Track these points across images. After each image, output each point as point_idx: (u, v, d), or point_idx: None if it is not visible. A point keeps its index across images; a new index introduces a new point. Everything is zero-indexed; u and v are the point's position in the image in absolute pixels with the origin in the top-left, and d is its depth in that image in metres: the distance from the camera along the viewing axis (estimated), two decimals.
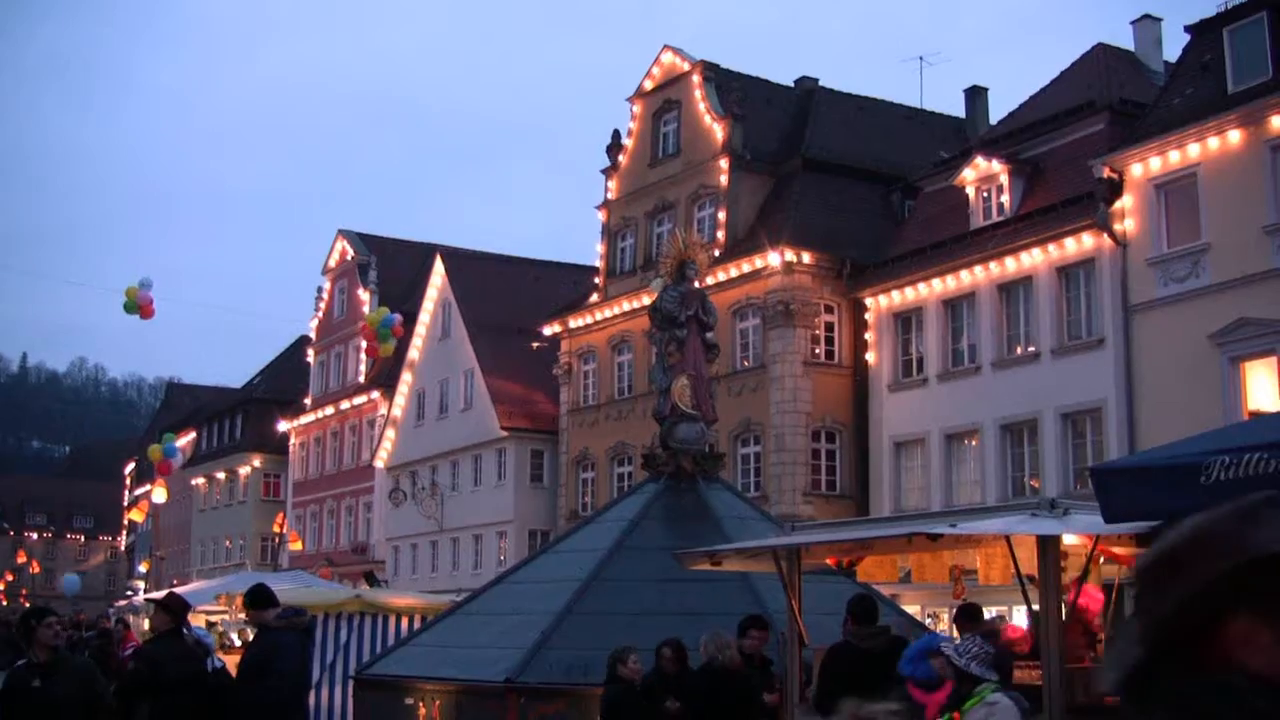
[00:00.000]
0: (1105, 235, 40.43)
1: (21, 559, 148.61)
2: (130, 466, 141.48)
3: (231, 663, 19.16)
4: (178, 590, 30.55)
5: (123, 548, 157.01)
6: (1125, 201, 40.08)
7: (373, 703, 23.87)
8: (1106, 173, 40.31)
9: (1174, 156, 38.88)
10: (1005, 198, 45.08)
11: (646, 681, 15.06)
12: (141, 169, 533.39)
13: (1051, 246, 42.35)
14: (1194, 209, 38.60)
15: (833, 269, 49.76)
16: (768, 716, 15.20)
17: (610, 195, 60.74)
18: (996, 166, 45.29)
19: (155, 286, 39.60)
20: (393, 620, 28.90)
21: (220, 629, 37.48)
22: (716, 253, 49.69)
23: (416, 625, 27.68)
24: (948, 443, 45.57)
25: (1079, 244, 41.57)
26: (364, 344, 48.74)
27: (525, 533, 63.70)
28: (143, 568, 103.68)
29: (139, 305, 38.66)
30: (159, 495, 58.94)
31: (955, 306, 46.03)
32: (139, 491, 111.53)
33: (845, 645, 14.48)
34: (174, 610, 15.19)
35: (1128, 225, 39.97)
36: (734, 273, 50.77)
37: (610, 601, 21.42)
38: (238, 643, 33.40)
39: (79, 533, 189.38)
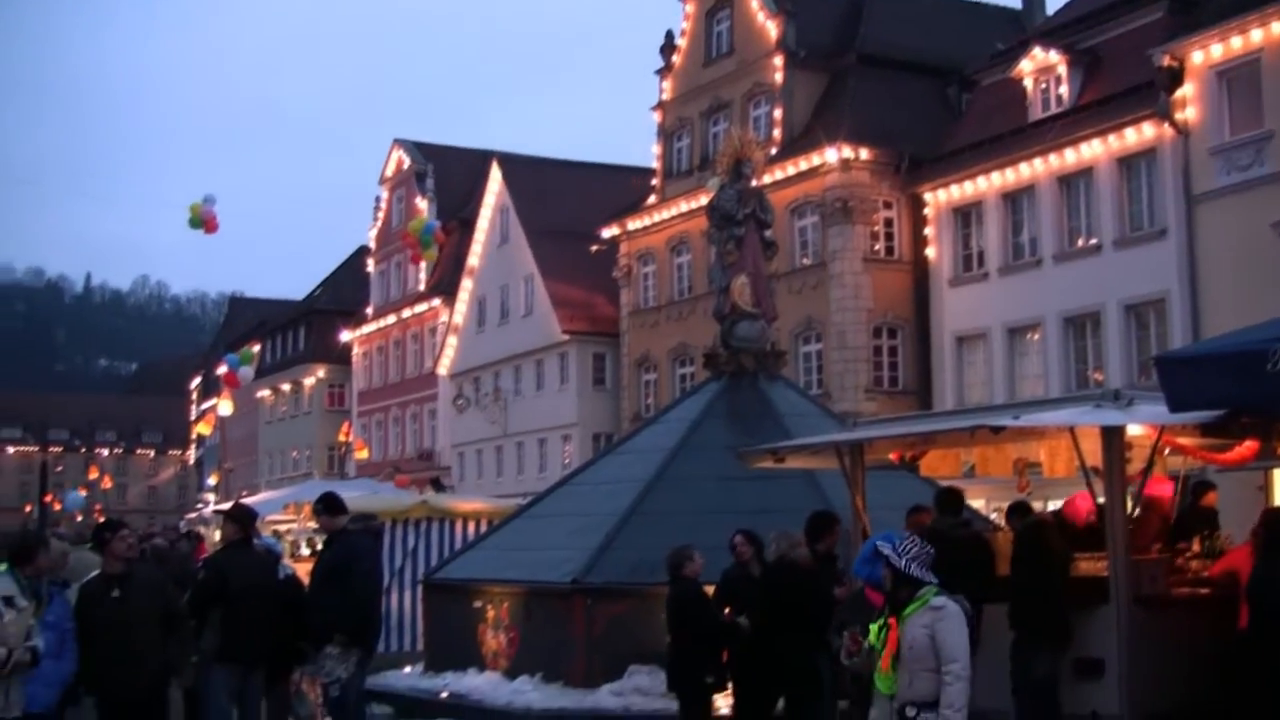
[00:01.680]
0: (1166, 125, 39.94)
1: (93, 475, 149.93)
2: (196, 381, 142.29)
3: (301, 570, 19.34)
4: (245, 501, 30.81)
5: (191, 462, 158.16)
6: (1186, 90, 39.54)
7: (441, 606, 24.09)
8: (1167, 61, 39.74)
9: (1235, 43, 38.30)
10: (1064, 89, 44.61)
11: (728, 574, 15.08)
12: (199, 86, 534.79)
13: (1111, 137, 41.89)
14: (1256, 96, 38.07)
15: (890, 164, 49.42)
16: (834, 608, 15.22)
17: (665, 96, 60.42)
18: (1054, 57, 44.77)
19: (216, 201, 39.75)
20: (459, 525, 29.13)
21: (290, 538, 37.85)
22: (773, 151, 49.41)
23: (483, 529, 27.88)
24: (1009, 337, 45.32)
25: (1139, 134, 41.12)
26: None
27: (589, 436, 63.80)
28: (212, 480, 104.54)
29: (203, 220, 38.79)
30: (225, 408, 59.22)
31: (1015, 200, 45.64)
32: (205, 405, 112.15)
33: (932, 532, 14.45)
34: (241, 520, 15.32)
35: (1189, 114, 39.46)
36: (791, 170, 50.47)
37: (674, 501, 21.51)
38: (306, 551, 33.74)
39: (148, 448, 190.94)
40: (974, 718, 13.77)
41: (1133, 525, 15.01)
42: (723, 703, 14.98)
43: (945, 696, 9.48)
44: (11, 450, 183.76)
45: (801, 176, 50.36)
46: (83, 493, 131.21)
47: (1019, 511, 15.83)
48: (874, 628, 10.01)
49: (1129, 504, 14.60)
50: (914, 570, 9.81)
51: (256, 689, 14.64)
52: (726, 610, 14.89)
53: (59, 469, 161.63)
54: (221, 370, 61.73)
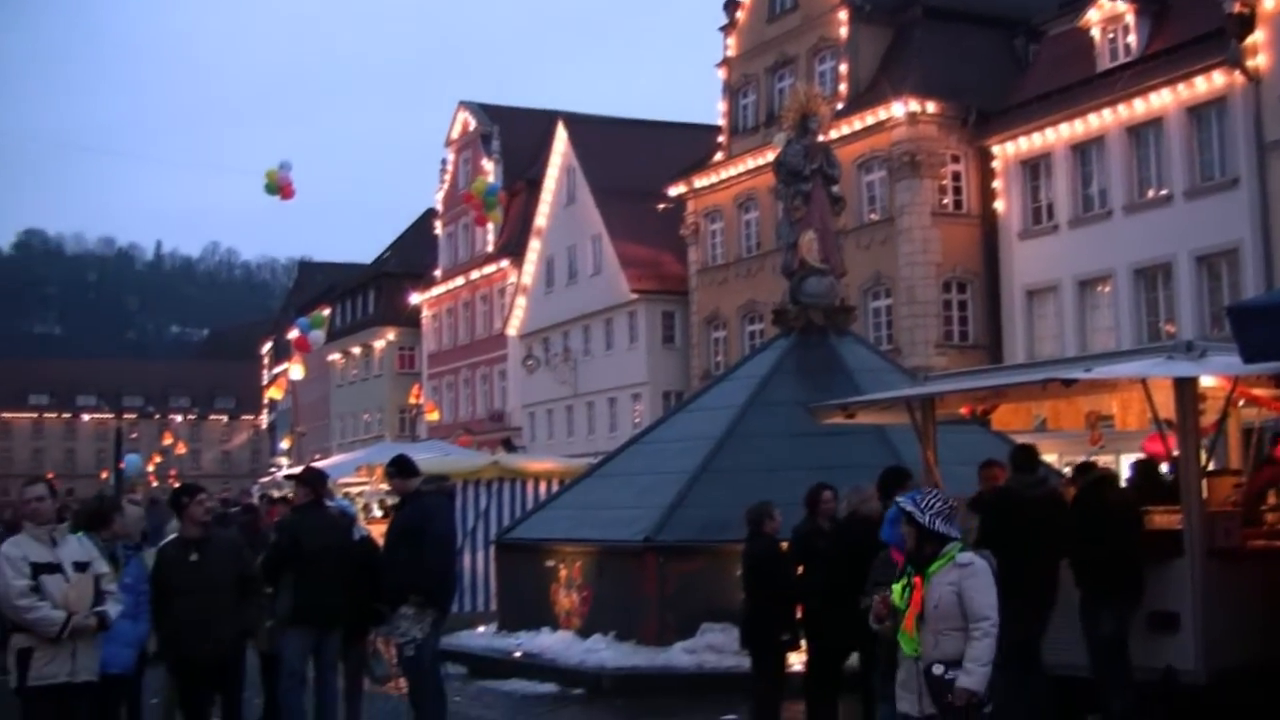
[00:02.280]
0: (1237, 72, 39.55)
1: (167, 441, 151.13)
2: (267, 346, 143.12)
3: (374, 532, 19.42)
4: (317, 464, 30.98)
5: (264, 426, 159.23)
6: (1257, 36, 39.13)
7: (514, 566, 24.20)
8: (1237, 7, 39.30)
9: None
10: (1132, 38, 44.25)
11: (800, 530, 15.04)
12: (266, 51, 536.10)
13: (1181, 86, 41.51)
14: None
15: (958, 118, 49.13)
16: None
17: (730, 53, 60.24)
18: (1122, 6, 44.40)
19: (292, 167, 40.02)
20: (530, 485, 29.24)
21: (361, 500, 38.01)
22: (839, 106, 49.22)
23: (554, 489, 27.96)
24: (1080, 289, 45.06)
25: (1209, 83, 40.72)
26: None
27: (659, 394, 63.85)
28: (284, 444, 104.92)
29: (279, 187, 39.12)
30: (296, 372, 59.59)
31: (1084, 151, 45.31)
32: (277, 370, 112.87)
33: (1007, 491, 14.37)
34: (311, 483, 15.39)
35: (1260, 61, 39.06)
36: (857, 125, 50.24)
37: (745, 458, 21.51)
38: (379, 514, 33.86)
39: (221, 413, 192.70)
40: (1052, 675, 13.80)
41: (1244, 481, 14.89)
42: (796, 660, 14.96)
43: (971, 650, 9.24)
44: (87, 418, 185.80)
45: (868, 131, 50.15)
46: (153, 463, 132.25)
47: (1085, 471, 15.72)
48: (897, 588, 9.73)
49: (1202, 456, 14.48)
50: (938, 526, 9.50)
51: (332, 651, 14.73)
52: (800, 567, 14.85)
53: (133, 436, 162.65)
54: (292, 335, 62.04)
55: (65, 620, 10.79)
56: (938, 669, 9.28)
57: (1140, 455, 17.84)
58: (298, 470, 19.91)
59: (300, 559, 14.15)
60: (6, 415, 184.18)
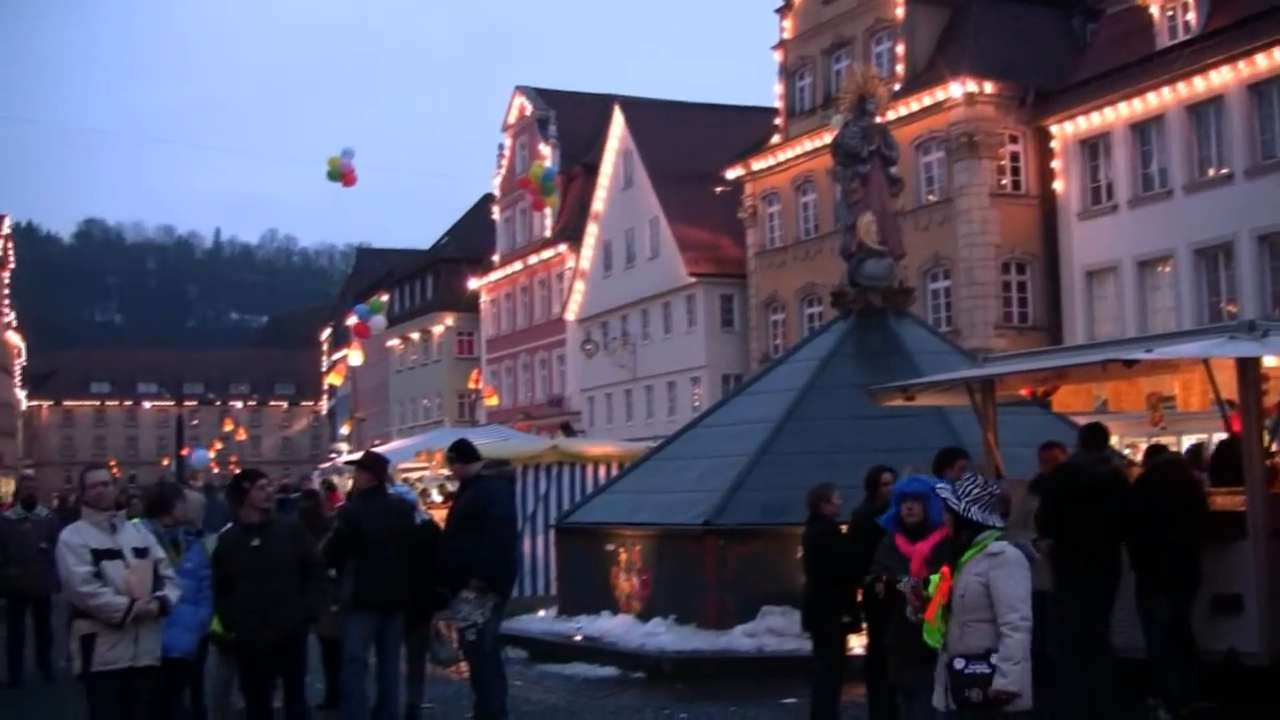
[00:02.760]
0: None
1: (228, 427, 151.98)
2: (326, 332, 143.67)
3: (435, 517, 19.47)
4: (377, 449, 31.09)
5: (324, 412, 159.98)
6: None
7: (574, 550, 24.22)
8: None
9: None
10: (1191, 15, 43.95)
11: (860, 513, 14.99)
12: (321, 40, 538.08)
13: (1242, 63, 41.20)
14: None
15: (1015, 98, 48.91)
16: None
17: (786, 35, 60.10)
18: None
19: (354, 154, 40.16)
20: (590, 469, 29.25)
21: (421, 485, 38.12)
22: (896, 87, 49.01)
23: (613, 473, 27.98)
24: (1140, 270, 44.82)
25: (1270, 59, 40.40)
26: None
27: (718, 377, 63.80)
28: (344, 430, 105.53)
29: (341, 174, 39.24)
30: (356, 358, 59.83)
31: (1143, 130, 45.04)
32: (336, 356, 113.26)
33: (1071, 467, 14.29)
34: (373, 468, 15.43)
35: None
36: (915, 106, 50.10)
37: (804, 441, 21.47)
38: (439, 499, 33.96)
39: (281, 399, 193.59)
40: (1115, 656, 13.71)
41: None
42: (857, 643, 14.94)
43: (1003, 648, 8.65)
44: (148, 405, 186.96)
45: (925, 112, 50.00)
46: (214, 449, 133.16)
47: (1155, 454, 15.61)
48: (935, 578, 9.17)
49: (1265, 437, 14.38)
50: (974, 514, 8.98)
51: (394, 635, 14.77)
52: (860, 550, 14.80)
53: (194, 423, 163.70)
54: (351, 321, 62.30)
55: (128, 606, 10.87)
56: (959, 663, 8.83)
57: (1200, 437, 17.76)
58: (358, 456, 19.98)
59: (362, 544, 14.19)
60: (69, 404, 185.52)
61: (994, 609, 8.74)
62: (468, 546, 14.96)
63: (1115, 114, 45.39)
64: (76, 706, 12.98)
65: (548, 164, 45.41)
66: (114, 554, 10.94)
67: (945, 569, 9.05)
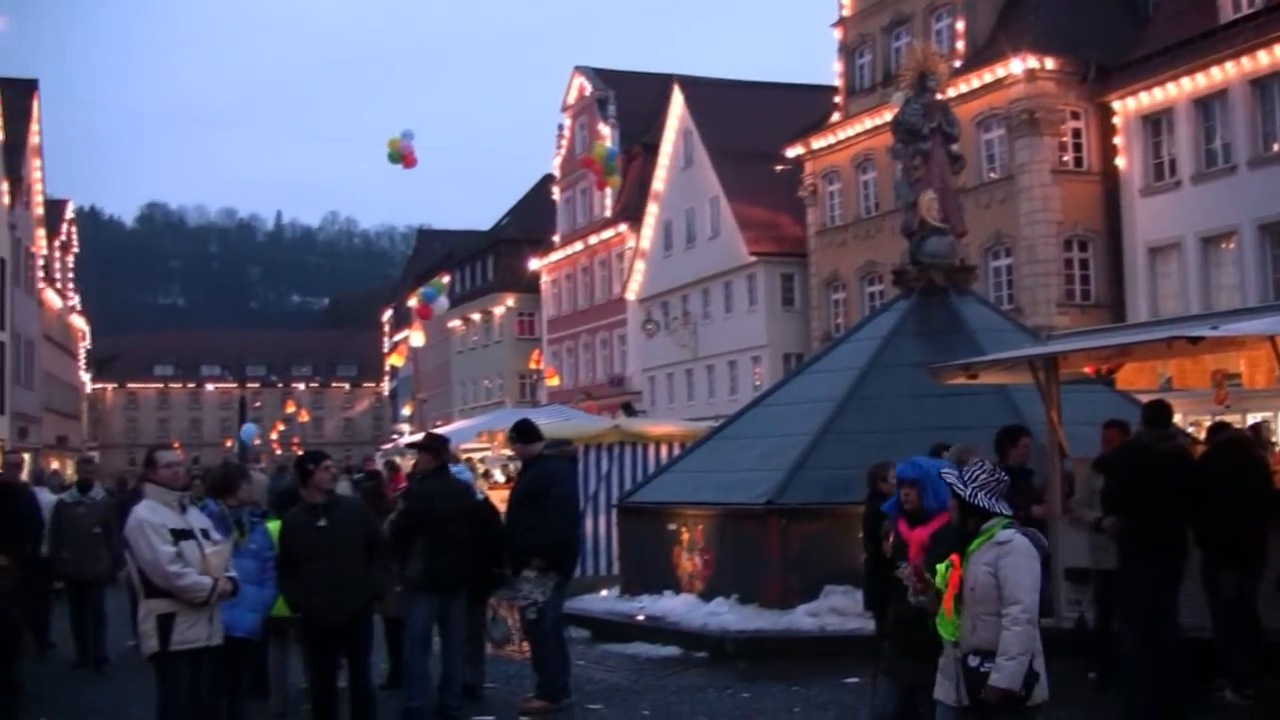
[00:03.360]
0: None
1: (290, 408, 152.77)
2: (388, 313, 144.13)
3: (497, 497, 19.52)
4: (439, 430, 31.15)
5: (386, 393, 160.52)
6: None
7: (636, 529, 24.22)
8: None
9: None
10: None
11: None
12: (380, 21, 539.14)
13: None
14: None
15: (1077, 74, 48.58)
16: (1035, 528, 14.99)
17: (845, 12, 59.87)
18: None
19: (414, 136, 40.32)
20: (652, 449, 29.25)
21: (484, 466, 38.28)
22: (956, 64, 48.76)
23: (675, 453, 27.96)
24: (1204, 246, 44.45)
25: None
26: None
27: (779, 356, 63.71)
28: (406, 411, 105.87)
29: (401, 155, 39.45)
30: (417, 339, 60.07)
31: (1207, 105, 44.65)
32: (398, 337, 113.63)
33: (1135, 444, 14.19)
34: (434, 449, 15.48)
35: None
36: (975, 83, 49.83)
37: (866, 420, 21.41)
38: (501, 478, 34.08)
39: (343, 381, 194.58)
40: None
41: None
42: None
43: (1002, 641, 8.34)
44: (211, 387, 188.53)
45: (986, 89, 49.74)
46: (276, 430, 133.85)
47: (1218, 431, 15.49)
48: (941, 567, 8.85)
49: None
50: (980, 500, 8.65)
51: (457, 616, 14.81)
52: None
53: (257, 404, 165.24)
54: (413, 303, 62.51)
55: (212, 585, 10.97)
56: (973, 660, 8.53)
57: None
58: (419, 438, 20.03)
59: (432, 525, 14.23)
60: (133, 386, 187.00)
61: (1002, 601, 8.45)
62: (529, 526, 15.03)
63: (1178, 89, 45.01)
64: (132, 685, 13.07)
65: (609, 144, 45.66)
66: (188, 534, 11.03)
67: (955, 557, 8.73)
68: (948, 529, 9.17)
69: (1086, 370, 18.54)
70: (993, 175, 50.40)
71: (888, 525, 10.77)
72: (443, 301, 53.55)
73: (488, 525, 15.68)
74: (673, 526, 22.52)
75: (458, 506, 14.76)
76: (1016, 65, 48.32)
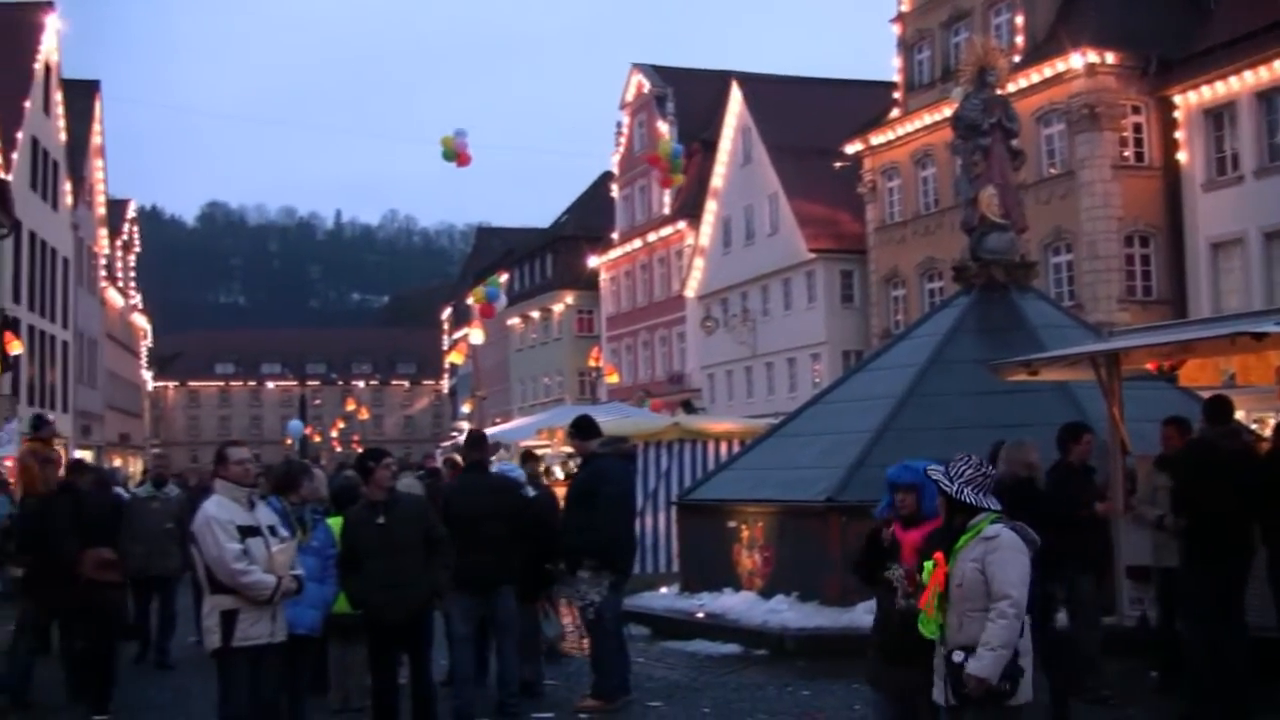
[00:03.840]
0: None
1: (350, 406, 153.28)
2: (447, 311, 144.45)
3: (548, 494, 19.52)
4: (498, 427, 31.17)
5: (445, 390, 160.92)
6: None
7: (695, 527, 24.21)
8: None
9: None
10: None
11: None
12: (438, 20, 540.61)
13: None
14: None
15: (1138, 68, 48.32)
16: (1097, 525, 14.89)
17: (904, 7, 59.75)
18: None
19: (467, 134, 40.48)
20: (711, 446, 29.20)
21: (544, 463, 38.31)
22: (1016, 58, 48.54)
23: (735, 450, 27.92)
24: (1267, 241, 44.13)
25: None
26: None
27: (838, 353, 63.66)
28: (465, 408, 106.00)
29: (455, 153, 39.62)
30: (477, 337, 60.08)
31: (1270, 99, 44.31)
32: (457, 335, 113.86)
33: (1204, 443, 14.07)
34: (474, 446, 15.57)
35: None
36: (1035, 78, 49.60)
37: (926, 417, 21.34)
38: (560, 475, 34.06)
39: (403, 378, 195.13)
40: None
41: None
42: None
43: (987, 632, 8.15)
44: (272, 385, 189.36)
45: (1046, 84, 49.53)
46: (337, 428, 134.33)
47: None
48: (928, 565, 8.64)
49: None
50: (967, 495, 8.51)
51: (507, 612, 14.79)
52: None
53: (317, 402, 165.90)
54: (470, 301, 62.64)
55: (277, 584, 11.02)
56: (958, 656, 8.31)
57: None
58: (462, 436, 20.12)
59: (456, 522, 14.04)
60: (194, 384, 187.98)
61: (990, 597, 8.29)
62: (580, 525, 15.07)
63: (1240, 82, 44.70)
64: (194, 681, 13.12)
65: (672, 142, 45.81)
66: (255, 531, 11.08)
67: (939, 555, 8.54)
68: (940, 531, 8.95)
69: (1148, 367, 18.41)
70: (1053, 170, 50.18)
71: (888, 535, 10.27)
72: (503, 299, 53.79)
73: (538, 523, 15.67)
74: (733, 524, 22.50)
75: (486, 505, 14.70)
76: (1076, 60, 48.09)
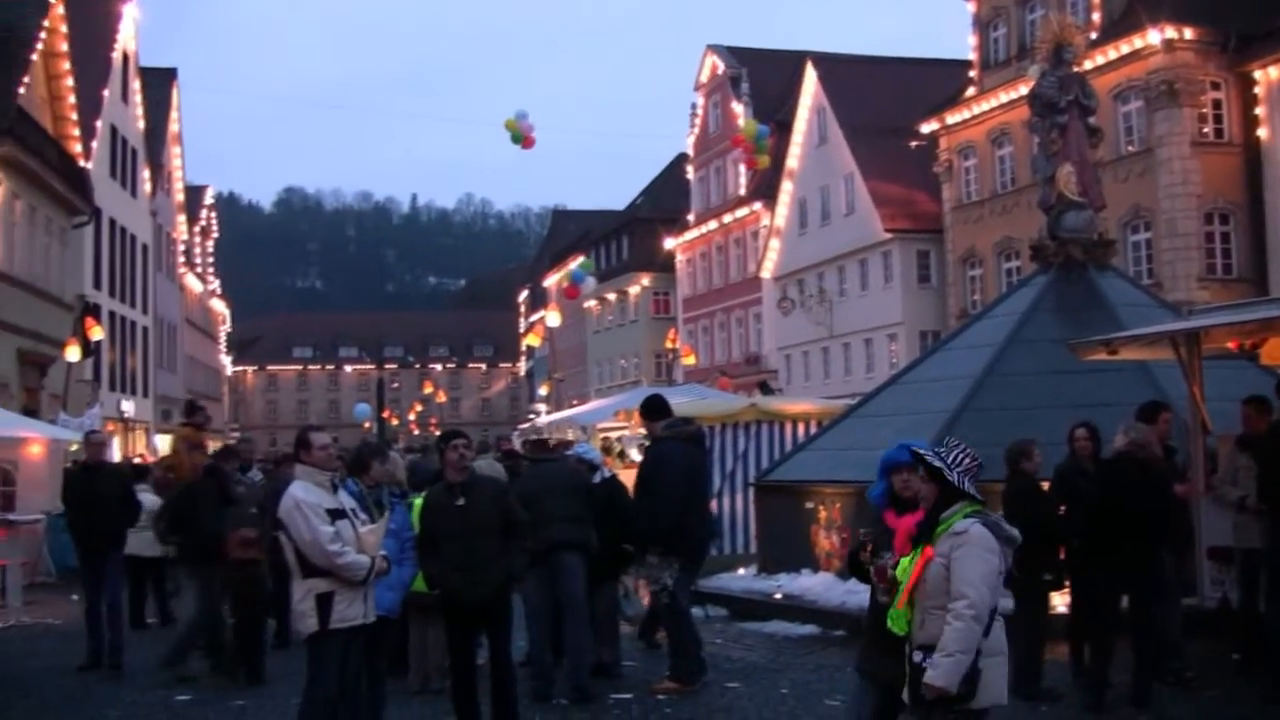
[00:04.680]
0: None
1: (428, 389, 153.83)
2: (524, 294, 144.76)
3: (630, 477, 19.56)
4: (575, 409, 31.20)
5: (522, 373, 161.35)
6: None
7: (773, 508, 24.16)
8: None
9: None
10: None
11: (1061, 469, 14.73)
12: (509, 4, 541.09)
13: None
14: None
15: (1217, 43, 47.87)
16: (1177, 508, 14.76)
17: None
18: None
19: (534, 116, 40.66)
20: (788, 427, 29.15)
21: (620, 445, 38.36)
22: (1093, 35, 48.19)
23: (812, 431, 27.85)
24: None
25: None
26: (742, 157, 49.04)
27: (915, 334, 63.49)
28: (542, 390, 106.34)
29: (522, 135, 39.86)
30: (553, 319, 60.23)
31: None
32: (534, 317, 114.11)
33: (1276, 427, 13.95)
34: (531, 444, 15.76)
35: None
36: (1112, 54, 49.25)
37: (1004, 397, 21.22)
38: (636, 457, 34.11)
39: (480, 361, 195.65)
40: None
41: None
42: (1059, 601, 14.74)
43: (944, 636, 7.72)
44: (350, 369, 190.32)
45: (1124, 60, 49.16)
46: (414, 411, 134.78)
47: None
48: (905, 561, 8.31)
49: None
50: (967, 486, 8.07)
51: (574, 592, 14.84)
52: (1062, 507, 14.56)
53: (395, 385, 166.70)
54: (548, 283, 62.86)
55: (371, 564, 11.09)
56: (917, 655, 7.95)
57: None
58: (555, 416, 20.18)
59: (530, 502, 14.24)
60: (273, 368, 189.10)
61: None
62: (641, 510, 15.11)
63: None
64: (270, 664, 13.24)
65: (757, 123, 45.91)
66: (341, 514, 11.13)
67: (928, 549, 8.08)
68: (926, 520, 8.49)
69: (1229, 345, 18.26)
70: (1131, 148, 49.80)
71: (867, 559, 9.94)
72: (591, 282, 53.90)
73: (609, 504, 15.72)
74: (810, 505, 22.45)
75: (568, 483, 15.11)
76: (1154, 36, 47.70)
